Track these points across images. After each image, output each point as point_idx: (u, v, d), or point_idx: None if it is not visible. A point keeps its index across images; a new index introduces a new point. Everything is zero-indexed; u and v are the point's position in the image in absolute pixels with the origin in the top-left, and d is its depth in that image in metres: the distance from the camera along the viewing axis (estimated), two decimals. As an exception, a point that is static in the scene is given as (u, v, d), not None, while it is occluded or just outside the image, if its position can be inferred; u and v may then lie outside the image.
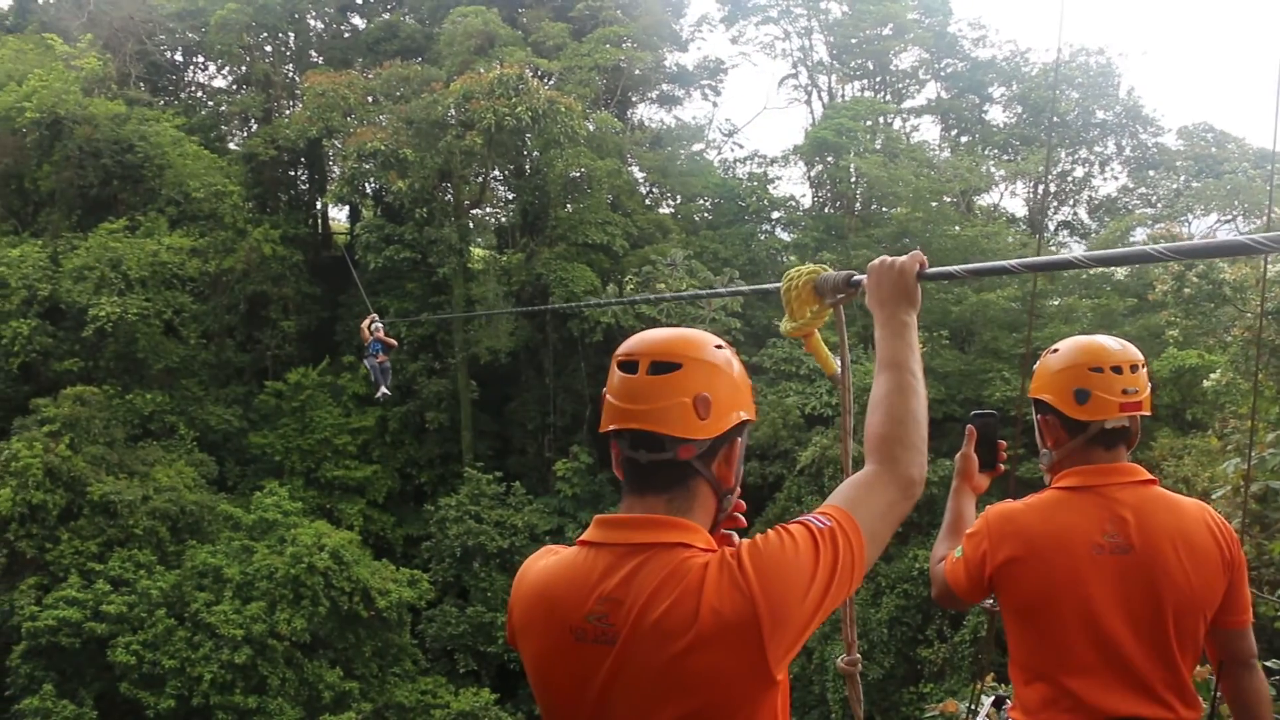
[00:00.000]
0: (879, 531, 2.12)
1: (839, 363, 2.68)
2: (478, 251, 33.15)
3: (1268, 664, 8.72)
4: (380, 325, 18.35)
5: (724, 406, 2.05)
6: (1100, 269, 32.16)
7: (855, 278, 2.47)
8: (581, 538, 2.09)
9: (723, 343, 2.15)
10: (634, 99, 35.60)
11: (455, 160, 30.63)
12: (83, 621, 22.44)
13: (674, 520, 2.01)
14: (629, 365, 2.05)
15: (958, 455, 3.28)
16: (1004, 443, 3.29)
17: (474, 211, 33.33)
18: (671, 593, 1.92)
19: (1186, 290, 25.14)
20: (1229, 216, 32.95)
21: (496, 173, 33.47)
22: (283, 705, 23.36)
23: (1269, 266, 24.47)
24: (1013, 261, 2.29)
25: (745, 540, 2.03)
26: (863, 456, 2.31)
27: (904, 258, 2.42)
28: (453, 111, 30.11)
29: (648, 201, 33.03)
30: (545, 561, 2.12)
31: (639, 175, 33.16)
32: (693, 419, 2.00)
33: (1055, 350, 3.02)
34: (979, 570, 2.86)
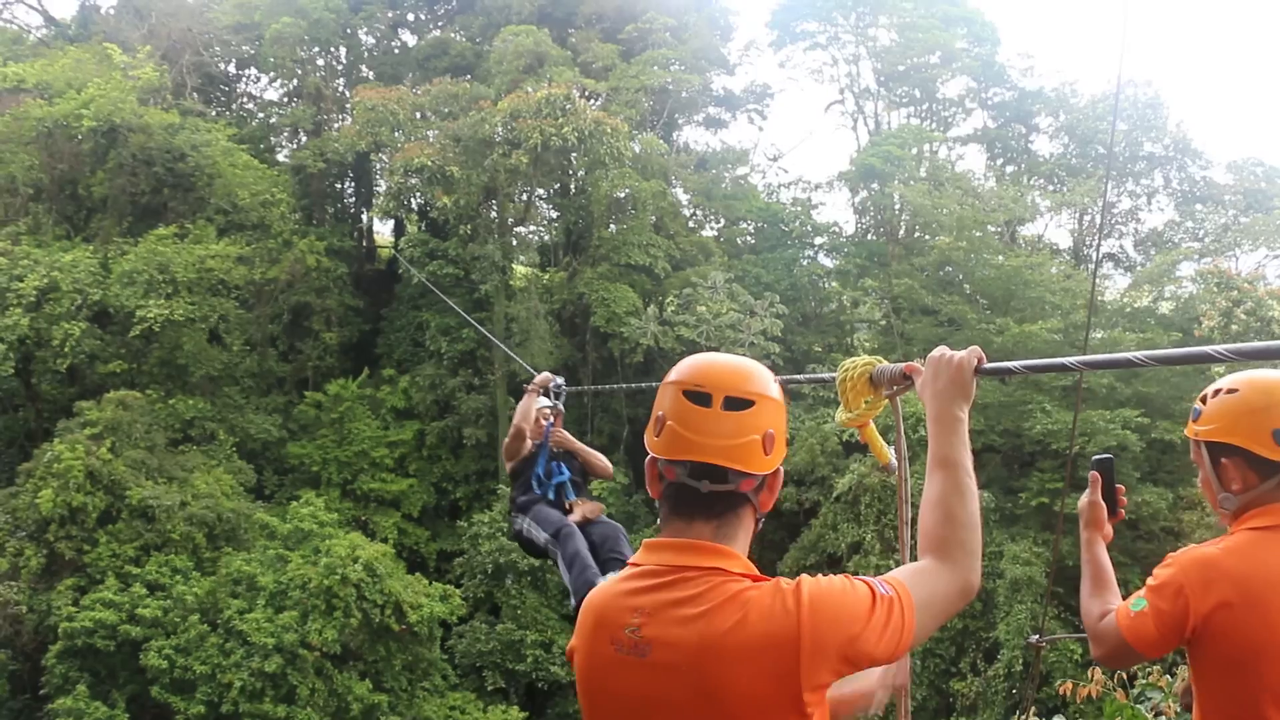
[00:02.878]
0: (928, 622, 2.14)
1: (894, 454, 2.69)
2: (520, 269, 33.33)
3: None
4: (550, 405, 7.13)
5: (782, 441, 2.16)
6: (1144, 302, 31.77)
7: (910, 372, 2.49)
8: (631, 559, 2.20)
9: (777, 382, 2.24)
10: (680, 121, 35.72)
11: (500, 178, 30.86)
12: (118, 624, 22.67)
13: (716, 547, 2.09)
14: (701, 398, 2.11)
15: (1083, 504, 3.11)
16: (1122, 486, 3.21)
17: (517, 229, 33.54)
18: (705, 610, 1.99)
19: (1234, 327, 24.81)
20: (1278, 252, 32.49)
21: (541, 191, 33.66)
22: (311, 715, 23.43)
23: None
24: (1071, 359, 2.30)
25: (808, 576, 2.08)
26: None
27: (963, 353, 2.39)
28: (500, 130, 30.37)
29: (691, 224, 33.10)
30: (603, 583, 2.25)
31: (683, 198, 33.27)
32: (759, 455, 2.11)
33: (1234, 390, 2.82)
34: (1178, 622, 2.67)
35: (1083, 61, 74.14)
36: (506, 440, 6.37)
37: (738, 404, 2.10)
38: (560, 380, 6.75)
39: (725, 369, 2.17)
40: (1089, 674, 8.92)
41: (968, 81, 36.09)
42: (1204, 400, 2.87)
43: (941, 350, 2.45)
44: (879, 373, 2.54)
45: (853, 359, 2.61)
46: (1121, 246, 35.82)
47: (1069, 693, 8.01)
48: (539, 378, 6.52)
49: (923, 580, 2.16)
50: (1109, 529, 3.08)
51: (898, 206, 32.16)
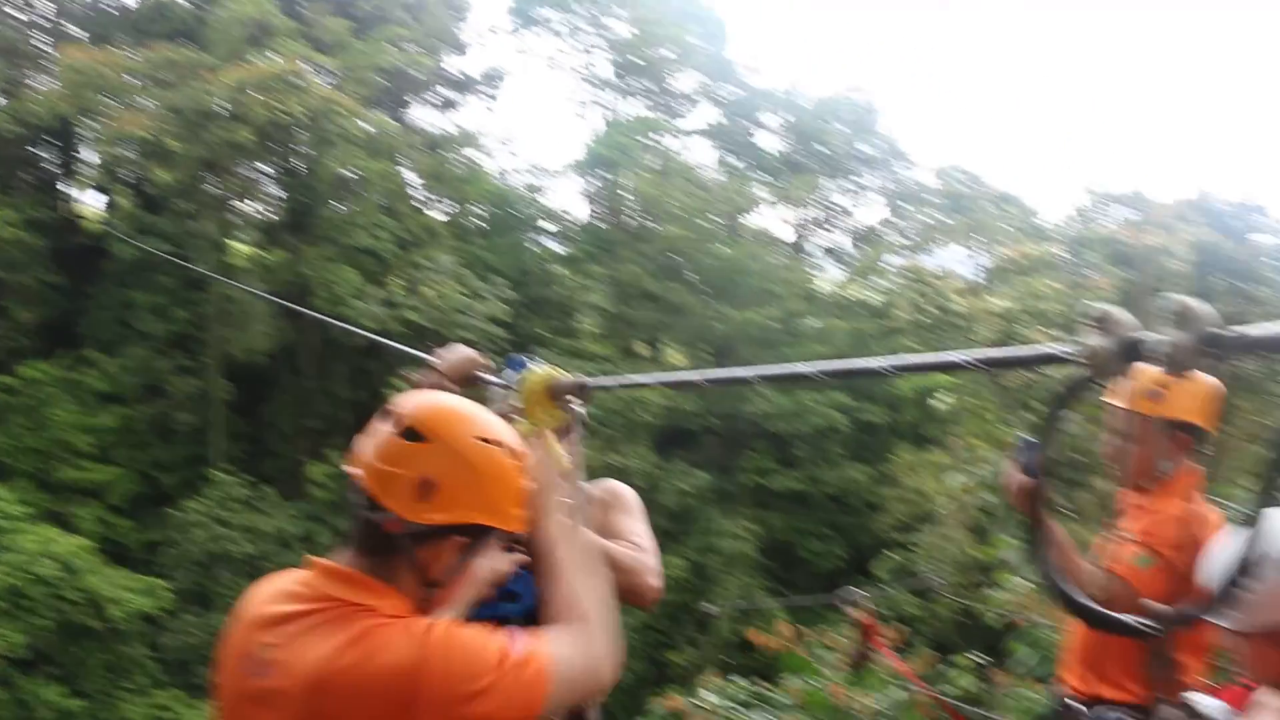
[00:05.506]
0: (563, 696, 1.96)
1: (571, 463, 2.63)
2: (241, 248, 31.94)
3: (971, 654, 9.37)
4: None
5: (453, 501, 1.93)
6: (857, 296, 33.81)
7: (588, 384, 2.50)
8: (301, 568, 2.03)
9: (505, 439, 2.04)
10: (411, 101, 35.13)
11: (222, 153, 29.45)
12: None
13: (371, 583, 1.93)
14: (389, 417, 1.98)
15: (1014, 483, 3.30)
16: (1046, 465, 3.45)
17: (239, 206, 32.11)
18: (334, 643, 1.84)
19: (923, 319, 26.77)
20: (972, 251, 35.24)
21: (265, 168, 32.34)
22: (-9, 727, 21.82)
23: (990, 301, 26.23)
24: (748, 371, 2.23)
25: (447, 620, 1.94)
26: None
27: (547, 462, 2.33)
28: (223, 103, 28.98)
29: (420, 206, 32.65)
30: (274, 579, 2.08)
31: (413, 179, 32.75)
32: (408, 496, 1.91)
33: (1196, 379, 3.42)
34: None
35: (805, 64, 78.34)
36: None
37: (414, 435, 1.94)
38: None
39: (430, 402, 2.05)
40: (776, 628, 9.48)
41: (699, 77, 37.23)
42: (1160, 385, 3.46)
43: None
44: (557, 385, 2.50)
45: (534, 370, 2.56)
46: (836, 241, 38.01)
47: (760, 643, 8.60)
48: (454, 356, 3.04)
49: (567, 648, 1.99)
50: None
51: (627, 195, 32.87)
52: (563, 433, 2.66)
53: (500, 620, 2.59)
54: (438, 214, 33.12)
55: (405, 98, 34.83)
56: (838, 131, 36.56)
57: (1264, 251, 30.27)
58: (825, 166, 36.48)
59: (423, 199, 33.26)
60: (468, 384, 3.06)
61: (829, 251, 38.04)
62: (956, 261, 34.81)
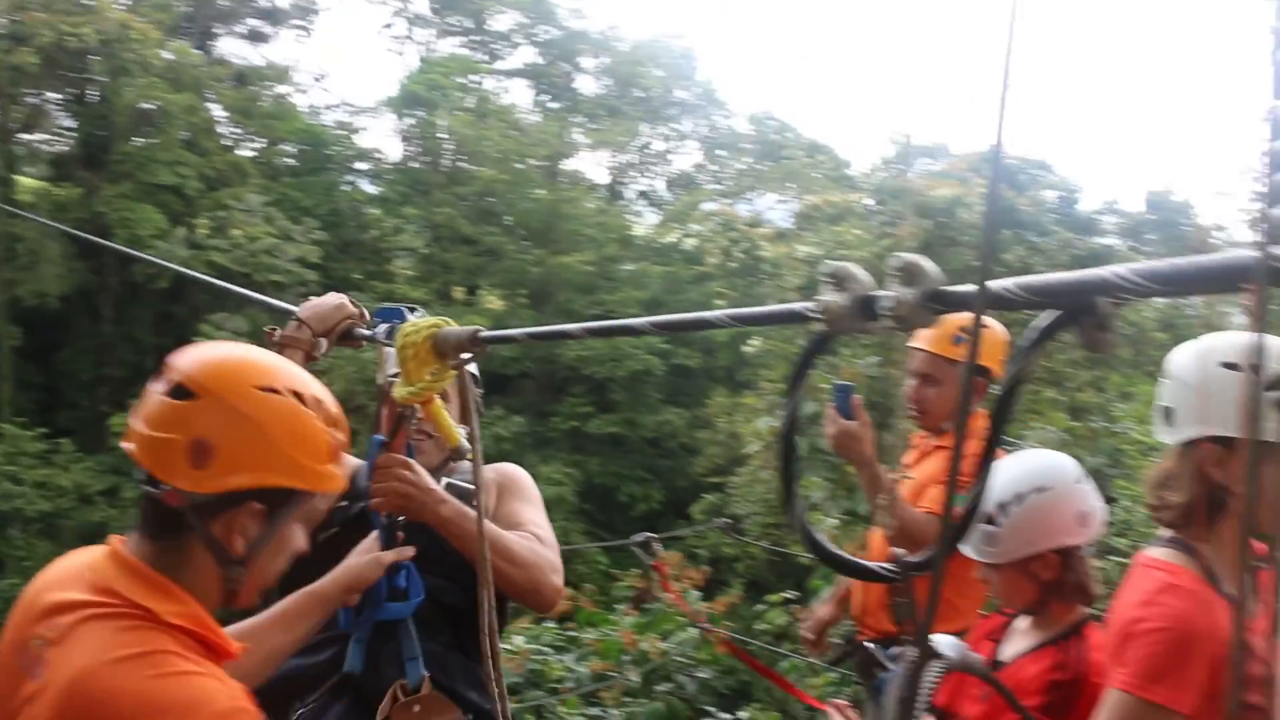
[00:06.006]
0: None
1: (465, 434, 2.39)
2: (28, 182, 30.04)
3: (786, 595, 9.91)
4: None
5: (234, 463, 1.66)
6: (670, 239, 34.46)
7: (483, 334, 2.16)
8: (108, 544, 1.77)
9: (299, 387, 1.75)
10: (218, 31, 33.55)
11: (2, 77, 27.53)
12: None
13: (155, 578, 1.67)
14: (161, 374, 1.72)
15: (842, 433, 3.49)
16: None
17: (24, 137, 30.14)
18: (113, 650, 1.58)
19: (732, 264, 27.57)
20: (785, 198, 36.35)
21: (54, 96, 30.39)
22: None
23: (798, 247, 27.17)
24: (576, 326, 2.12)
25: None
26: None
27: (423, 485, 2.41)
28: (2, 21, 27.08)
29: (227, 143, 31.37)
30: (71, 555, 1.83)
31: (219, 114, 31.40)
32: (182, 464, 1.64)
33: (986, 326, 3.64)
34: None
35: (624, 8, 78.43)
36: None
37: (182, 392, 1.67)
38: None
39: (204, 355, 1.75)
40: (578, 588, 9.81)
41: (518, 17, 36.84)
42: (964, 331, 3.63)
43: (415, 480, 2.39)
44: (444, 337, 2.16)
45: (413, 322, 2.24)
46: (653, 186, 38.53)
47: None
48: (321, 306, 2.79)
49: None
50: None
51: (443, 136, 32.46)
52: (451, 397, 2.47)
53: (389, 624, 2.47)
54: (246, 151, 31.91)
55: (211, 28, 33.26)
56: (655, 77, 36.90)
57: (1048, 205, 32.14)
58: (643, 111, 36.81)
59: (230, 136, 31.96)
60: (341, 340, 2.77)
61: (645, 196, 38.56)
62: (769, 208, 35.80)
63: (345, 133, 33.05)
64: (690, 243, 34.11)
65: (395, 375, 2.32)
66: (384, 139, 52.85)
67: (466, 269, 30.27)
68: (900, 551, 2.18)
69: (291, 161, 32.03)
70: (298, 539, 1.82)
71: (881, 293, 1.33)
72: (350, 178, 32.38)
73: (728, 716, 7.61)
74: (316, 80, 35.53)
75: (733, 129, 38.14)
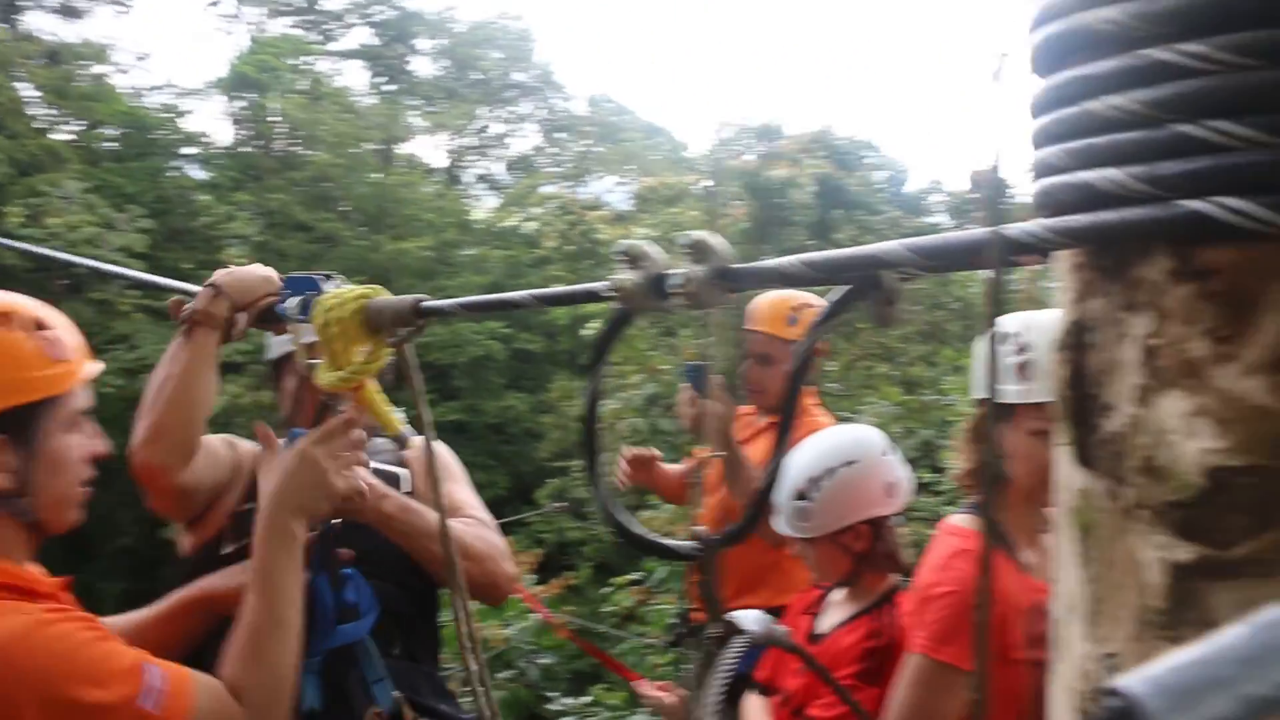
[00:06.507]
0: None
1: (407, 424, 2.20)
2: None
3: (632, 577, 10.12)
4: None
5: None
6: (510, 223, 34.56)
7: (425, 303, 1.86)
8: None
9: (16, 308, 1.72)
10: (24, 4, 31.87)
11: None
12: None
13: None
14: None
15: (702, 413, 3.52)
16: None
17: None
18: None
19: (570, 247, 27.93)
20: (624, 180, 36.84)
21: None
22: None
23: (635, 229, 27.61)
24: (523, 294, 1.88)
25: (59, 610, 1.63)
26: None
27: (332, 457, 1.95)
28: None
29: (40, 125, 29.91)
30: None
31: (29, 94, 29.89)
32: None
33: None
34: None
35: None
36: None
37: None
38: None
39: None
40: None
41: (352, -4, 36.26)
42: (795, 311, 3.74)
43: (318, 438, 1.96)
44: (378, 310, 1.87)
45: (336, 292, 1.92)
46: (490, 170, 38.50)
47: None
48: (246, 278, 2.49)
49: (216, 709, 1.68)
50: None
51: (275, 118, 31.73)
52: (386, 377, 2.14)
53: (345, 648, 2.16)
54: (63, 135, 30.48)
55: (16, 1, 31.59)
56: (493, 59, 36.81)
57: (876, 185, 33.35)
58: (481, 94, 36.68)
59: (44, 118, 30.46)
60: (261, 321, 2.40)
61: (486, 180, 38.49)
62: (608, 191, 36.21)
63: (171, 115, 31.91)
64: (531, 226, 34.31)
65: (314, 358, 2.00)
66: (213, 122, 51.12)
67: (302, 256, 29.72)
68: (702, 529, 2.10)
69: (113, 146, 30.76)
70: (76, 447, 1.75)
71: (672, 270, 1.32)
72: (177, 163, 31.24)
73: (571, 701, 7.69)
74: (139, 60, 34.26)
75: (571, 111, 38.37)
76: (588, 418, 1.73)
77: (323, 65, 34.75)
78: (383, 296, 1.90)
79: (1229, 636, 0.41)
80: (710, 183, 32.08)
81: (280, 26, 35.34)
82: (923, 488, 7.44)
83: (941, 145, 50.28)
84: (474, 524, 2.36)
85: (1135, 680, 0.40)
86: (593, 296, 1.50)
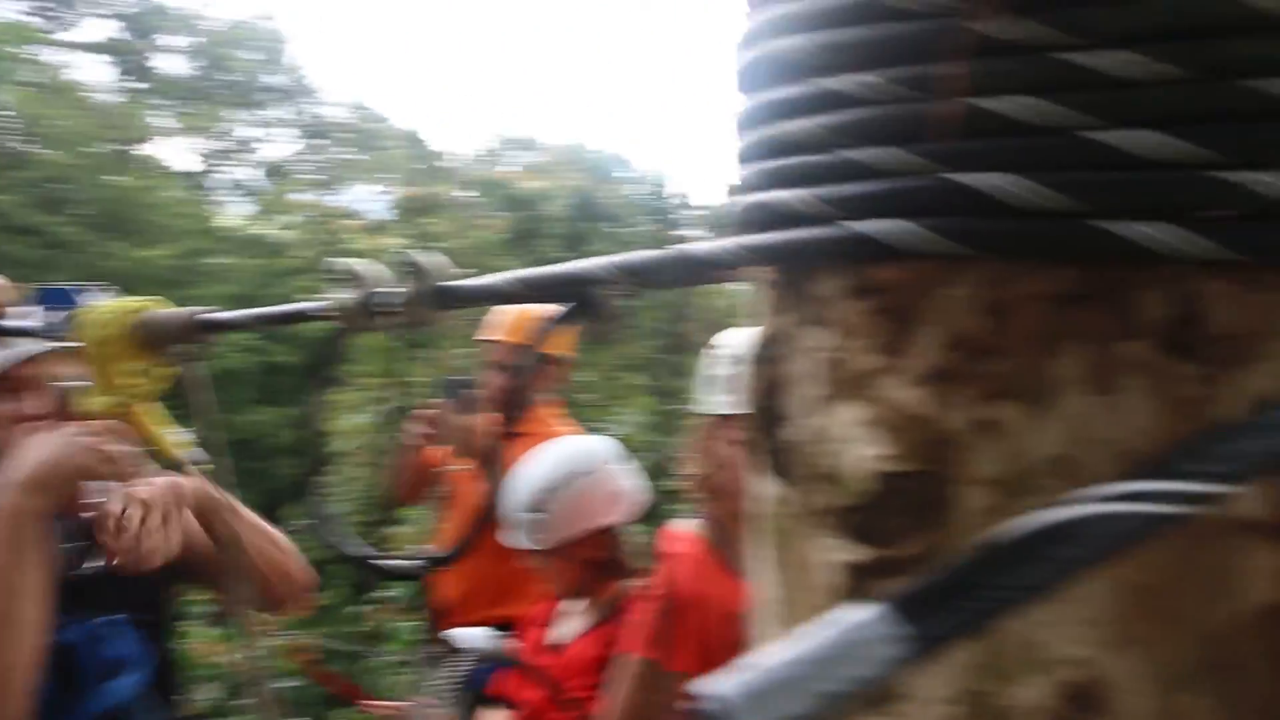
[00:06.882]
0: None
1: (191, 448, 1.89)
2: None
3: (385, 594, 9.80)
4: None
5: None
6: (260, 231, 33.32)
7: (200, 316, 1.66)
8: None
9: None
10: None
11: None
12: None
13: None
14: None
15: (460, 428, 3.42)
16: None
17: None
18: None
19: (320, 255, 27.26)
20: (383, 189, 36.23)
21: None
22: None
23: (386, 240, 27.17)
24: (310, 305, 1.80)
25: None
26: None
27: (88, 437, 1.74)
28: None
29: None
30: None
31: None
32: None
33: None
34: None
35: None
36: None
37: None
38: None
39: None
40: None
41: (90, -15, 33.97)
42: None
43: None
44: (156, 325, 1.62)
45: (105, 305, 1.69)
46: (246, 175, 36.99)
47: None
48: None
49: None
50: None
51: (3, 112, 29.36)
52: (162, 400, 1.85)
53: (112, 710, 1.81)
54: None
55: None
56: (245, 60, 35.39)
57: (628, 198, 34.05)
58: (233, 96, 35.17)
59: None
60: None
61: (240, 186, 36.91)
62: (367, 200, 35.50)
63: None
64: (287, 235, 33.19)
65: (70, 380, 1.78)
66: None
67: (31, 263, 27.51)
68: (430, 548, 2.11)
69: None
70: None
71: (385, 290, 1.28)
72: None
73: (315, 724, 7.65)
74: None
75: (324, 118, 37.40)
76: (311, 439, 1.69)
77: (60, 57, 32.44)
78: (159, 311, 1.67)
79: (816, 636, 0.43)
80: (466, 193, 32.00)
81: (8, 12, 32.68)
82: (668, 495, 7.64)
83: (696, 158, 51.80)
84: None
85: (729, 683, 0.42)
86: (301, 316, 1.41)
